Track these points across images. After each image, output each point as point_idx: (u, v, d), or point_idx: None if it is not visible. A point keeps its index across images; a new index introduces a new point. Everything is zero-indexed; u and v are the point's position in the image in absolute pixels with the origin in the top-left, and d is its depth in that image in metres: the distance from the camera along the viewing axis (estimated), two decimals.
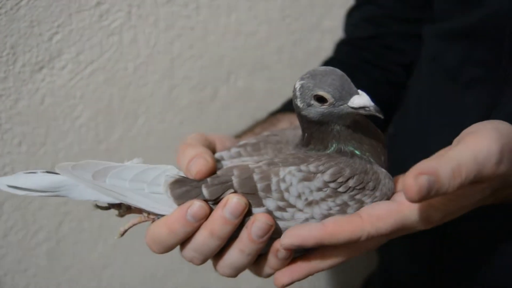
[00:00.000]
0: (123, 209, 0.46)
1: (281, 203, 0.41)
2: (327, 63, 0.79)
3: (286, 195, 0.41)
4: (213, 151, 0.48)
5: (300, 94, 0.41)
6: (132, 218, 0.46)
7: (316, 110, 0.41)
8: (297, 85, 0.42)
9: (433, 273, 0.63)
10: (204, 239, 0.42)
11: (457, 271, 0.60)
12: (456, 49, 0.61)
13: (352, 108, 0.40)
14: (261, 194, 0.42)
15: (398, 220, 0.39)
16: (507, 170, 0.38)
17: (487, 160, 0.37)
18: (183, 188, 0.43)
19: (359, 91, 0.40)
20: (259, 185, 0.42)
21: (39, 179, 0.43)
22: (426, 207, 0.39)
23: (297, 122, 0.67)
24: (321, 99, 0.40)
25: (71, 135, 0.71)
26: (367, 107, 0.40)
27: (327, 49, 0.87)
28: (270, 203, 0.42)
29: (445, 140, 0.59)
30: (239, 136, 0.65)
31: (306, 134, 0.44)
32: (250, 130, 0.66)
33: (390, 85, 0.75)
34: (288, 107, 0.70)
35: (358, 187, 0.41)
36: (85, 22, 0.67)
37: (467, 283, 0.59)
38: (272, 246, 0.42)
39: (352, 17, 0.80)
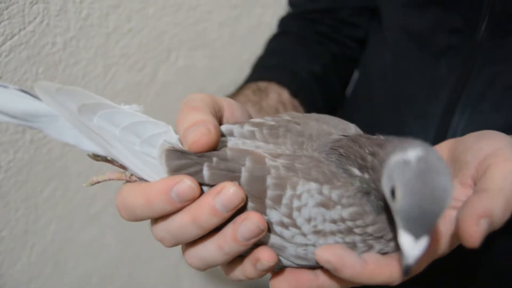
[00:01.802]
0: (101, 155, 0.37)
1: (286, 220, 0.35)
2: (279, 37, 0.74)
3: (295, 214, 0.35)
4: (220, 120, 0.39)
5: (400, 168, 0.31)
6: (110, 171, 0.38)
7: (385, 188, 0.32)
8: (410, 156, 0.30)
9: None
10: (183, 223, 0.34)
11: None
12: (427, 16, 0.58)
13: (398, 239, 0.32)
14: (268, 202, 0.35)
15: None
16: None
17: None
18: (182, 160, 0.35)
19: (424, 239, 0.30)
20: (270, 193, 0.35)
21: (11, 100, 0.34)
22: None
23: (284, 96, 0.61)
24: (393, 193, 0.31)
25: None
26: (404, 256, 0.31)
27: (269, 24, 0.81)
28: (274, 216, 0.35)
29: (419, 110, 0.58)
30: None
31: (369, 160, 0.35)
32: (242, 95, 0.58)
33: (346, 58, 0.73)
34: (266, 75, 0.64)
35: (375, 235, 0.35)
36: None
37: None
38: (252, 254, 0.35)
39: None
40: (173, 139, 0.36)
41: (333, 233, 0.35)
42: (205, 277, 0.91)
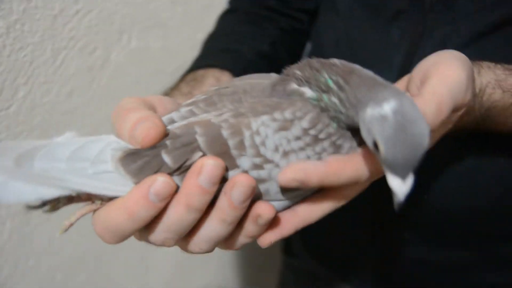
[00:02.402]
0: (62, 201, 0.35)
1: (257, 160, 0.35)
2: (228, 14, 0.72)
3: (262, 149, 0.35)
4: None
5: (375, 121, 0.32)
6: (78, 208, 0.35)
7: (367, 139, 0.33)
8: (386, 110, 0.32)
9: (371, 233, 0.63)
10: (179, 215, 0.34)
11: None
12: None
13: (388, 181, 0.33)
14: (233, 152, 0.35)
15: None
16: (470, 97, 0.39)
17: (460, 90, 0.37)
18: (138, 162, 0.34)
19: (409, 179, 0.33)
20: (231, 142, 0.35)
21: None
22: None
23: (223, 79, 0.60)
24: (376, 146, 0.32)
25: None
26: (396, 194, 0.33)
27: (222, 1, 0.79)
28: (245, 162, 0.35)
29: (375, 58, 0.58)
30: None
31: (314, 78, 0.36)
32: (176, 89, 0.57)
33: (296, 32, 0.72)
34: (207, 62, 0.63)
35: (338, 132, 0.36)
36: None
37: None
38: (251, 213, 0.36)
39: None
40: (119, 144, 0.35)
41: (302, 149, 0.36)
42: (172, 268, 0.90)
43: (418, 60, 0.55)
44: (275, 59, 0.68)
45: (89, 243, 0.75)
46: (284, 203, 0.37)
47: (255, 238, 0.38)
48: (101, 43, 0.68)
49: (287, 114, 0.36)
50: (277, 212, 0.37)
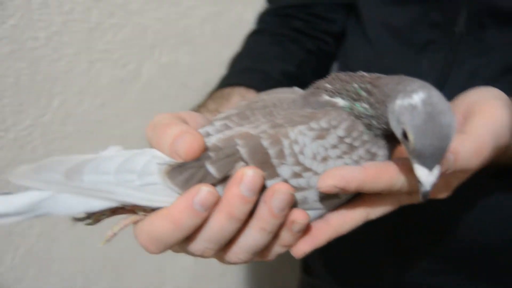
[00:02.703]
0: (106, 213, 0.36)
1: (296, 168, 0.36)
2: (256, 35, 0.74)
3: (301, 158, 0.36)
4: None
5: (405, 110, 0.33)
6: (120, 219, 0.37)
7: (396, 130, 0.34)
8: (415, 100, 0.33)
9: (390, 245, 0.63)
10: (220, 224, 0.35)
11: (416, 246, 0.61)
12: (407, 12, 0.60)
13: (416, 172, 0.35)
14: (274, 161, 0.36)
15: None
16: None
17: (503, 133, 0.38)
18: (184, 174, 0.35)
19: (436, 170, 0.33)
20: (271, 151, 0.36)
21: (6, 202, 0.33)
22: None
23: (249, 96, 0.62)
24: (405, 136, 0.33)
25: None
26: (422, 185, 0.34)
27: (250, 21, 0.82)
28: (285, 170, 0.36)
29: None
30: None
31: (367, 97, 0.37)
32: (202, 107, 0.59)
33: (322, 54, 0.73)
34: (234, 80, 0.64)
35: (373, 140, 0.38)
36: None
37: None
38: (287, 220, 0.37)
39: None
40: (163, 159, 0.36)
41: (339, 157, 0.37)
42: (189, 278, 0.91)
43: (448, 91, 0.55)
44: (301, 79, 0.70)
45: (109, 251, 0.76)
46: (319, 212, 0.38)
47: (289, 247, 0.38)
48: (133, 57, 0.71)
49: (323, 123, 0.37)
50: (311, 221, 0.38)
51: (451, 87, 0.55)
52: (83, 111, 0.67)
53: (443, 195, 0.40)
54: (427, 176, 0.33)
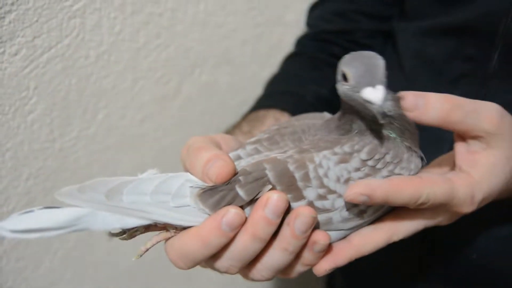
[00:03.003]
0: (140, 229, 0.39)
1: (321, 191, 0.39)
2: (293, 57, 0.76)
3: (325, 180, 0.38)
4: None
5: (338, 67, 0.40)
6: (153, 235, 0.40)
7: (342, 87, 0.39)
8: (342, 58, 0.40)
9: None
10: (245, 244, 0.38)
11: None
12: (443, 45, 0.61)
13: (362, 98, 0.37)
14: (300, 184, 0.38)
15: (451, 190, 0.39)
16: None
17: (486, 108, 0.39)
18: (215, 197, 0.38)
19: (379, 85, 0.37)
20: (297, 175, 0.38)
21: (50, 217, 0.36)
22: (472, 184, 0.40)
23: (283, 119, 0.64)
24: (344, 77, 0.39)
25: (22, 132, 0.60)
26: (373, 103, 0.36)
27: (289, 43, 0.84)
28: (311, 193, 0.38)
29: (433, 135, 0.60)
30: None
31: (341, 108, 0.42)
32: (237, 128, 0.61)
33: None
34: (268, 103, 0.67)
35: (395, 161, 0.40)
36: (44, 1, 0.57)
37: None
38: (309, 241, 0.39)
39: (318, 10, 0.78)
40: (197, 182, 0.39)
41: (362, 178, 0.39)
42: (218, 286, 0.93)
43: None
44: (334, 103, 0.71)
45: (141, 260, 0.79)
46: (342, 232, 0.40)
47: (311, 266, 0.41)
48: (175, 76, 0.74)
49: (346, 148, 0.39)
50: (334, 241, 0.40)
51: None
52: (124, 125, 0.70)
53: (468, 208, 0.41)
54: (373, 92, 0.36)
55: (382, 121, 0.38)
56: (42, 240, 0.67)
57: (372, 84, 0.37)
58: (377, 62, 0.38)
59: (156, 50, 0.71)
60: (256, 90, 0.78)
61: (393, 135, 0.41)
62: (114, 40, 0.65)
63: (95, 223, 0.37)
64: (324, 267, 0.40)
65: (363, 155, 0.39)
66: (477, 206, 0.41)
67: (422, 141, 0.55)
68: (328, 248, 0.40)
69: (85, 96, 0.65)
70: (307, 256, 0.39)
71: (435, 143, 0.60)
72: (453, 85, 0.59)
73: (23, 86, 0.58)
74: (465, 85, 0.58)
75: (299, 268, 0.41)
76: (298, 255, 0.40)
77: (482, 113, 0.39)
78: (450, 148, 0.54)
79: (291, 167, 0.38)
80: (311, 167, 0.38)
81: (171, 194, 0.38)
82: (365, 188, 0.37)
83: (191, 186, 0.38)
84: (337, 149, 0.39)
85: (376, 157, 0.39)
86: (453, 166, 0.44)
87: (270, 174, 0.38)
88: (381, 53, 0.73)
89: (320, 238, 0.38)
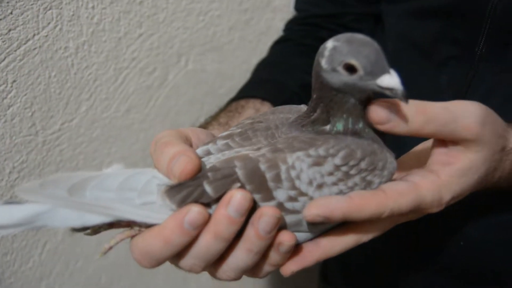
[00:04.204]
0: (104, 226, 0.38)
1: (292, 193, 0.37)
2: (280, 43, 0.75)
3: (297, 182, 0.37)
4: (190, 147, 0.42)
5: (330, 55, 0.37)
6: (116, 233, 0.39)
7: (340, 78, 0.37)
8: (329, 44, 0.37)
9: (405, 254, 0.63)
10: (207, 243, 0.36)
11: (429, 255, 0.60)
12: (429, 27, 0.59)
13: (379, 86, 0.37)
14: (271, 184, 0.37)
15: (416, 198, 0.38)
16: (492, 140, 0.39)
17: (465, 115, 0.38)
18: (182, 192, 0.36)
19: (391, 70, 0.37)
20: (268, 175, 0.37)
21: (6, 214, 0.35)
22: (439, 186, 0.39)
23: (263, 110, 0.63)
24: (350, 69, 0.36)
25: (2, 126, 0.60)
26: (395, 89, 0.36)
27: (278, 28, 0.82)
28: (281, 194, 0.37)
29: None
30: (203, 127, 0.59)
31: (315, 96, 0.40)
32: (214, 120, 0.60)
33: None
34: (250, 92, 0.65)
35: (369, 168, 0.38)
36: None
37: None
38: (274, 241, 0.38)
39: None
40: (163, 179, 0.38)
41: (334, 183, 0.38)
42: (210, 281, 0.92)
43: None
44: None
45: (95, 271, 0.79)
46: (312, 234, 0.39)
47: (278, 266, 0.39)
48: (160, 65, 0.73)
49: (321, 151, 0.38)
50: (301, 243, 0.39)
51: None
52: (109, 116, 0.70)
53: (436, 209, 0.40)
54: (392, 79, 0.36)
55: (407, 103, 0.37)
56: (30, 233, 0.67)
57: (386, 71, 0.36)
58: (378, 46, 0.37)
59: (139, 40, 0.69)
60: (245, 77, 0.77)
61: (362, 126, 0.40)
62: (93, 30, 0.64)
63: (54, 220, 0.36)
64: (291, 268, 0.39)
65: (338, 160, 0.38)
66: (445, 206, 0.40)
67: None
68: (296, 249, 0.39)
69: (67, 88, 0.64)
70: (273, 256, 0.38)
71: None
72: (440, 68, 0.58)
73: (1, 80, 0.58)
74: (452, 68, 0.57)
75: (266, 268, 0.40)
76: (265, 255, 0.39)
77: (460, 121, 0.37)
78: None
79: (263, 167, 0.37)
80: (283, 168, 0.37)
81: (137, 190, 0.37)
82: (323, 209, 0.36)
83: (158, 184, 0.37)
84: (312, 151, 0.38)
85: (351, 163, 0.38)
86: (428, 156, 0.42)
87: (240, 172, 0.37)
88: (369, 35, 0.73)
89: (285, 239, 0.37)
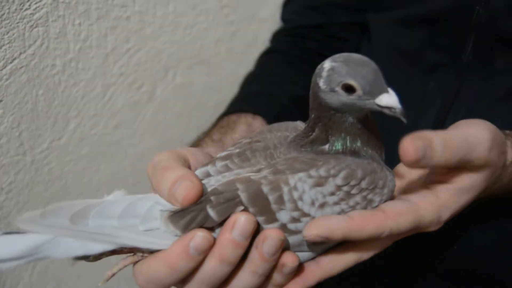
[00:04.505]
0: (106, 253, 0.38)
1: (295, 214, 0.37)
2: (268, 55, 0.75)
3: (299, 203, 0.37)
4: (188, 168, 0.42)
5: (327, 76, 0.38)
6: (119, 258, 0.38)
7: (338, 98, 0.38)
8: (327, 65, 0.38)
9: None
10: (213, 268, 0.36)
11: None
12: (416, 35, 0.60)
13: (378, 106, 0.37)
14: (273, 207, 0.37)
15: (416, 218, 0.38)
16: (497, 161, 0.40)
17: (479, 144, 0.38)
18: (186, 217, 0.36)
19: (389, 89, 0.37)
20: (271, 197, 0.37)
21: (6, 246, 0.34)
22: (439, 206, 0.39)
23: (255, 125, 0.63)
24: (349, 89, 0.37)
25: None
26: (394, 108, 0.37)
27: (265, 40, 0.82)
28: (284, 216, 0.37)
29: (409, 125, 0.59)
30: (196, 143, 0.58)
31: (313, 116, 0.41)
32: (207, 136, 0.60)
33: None
34: (241, 107, 0.65)
35: (370, 187, 0.39)
36: (2, 11, 0.55)
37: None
38: (278, 263, 0.38)
39: (292, 4, 0.76)
40: (166, 205, 0.37)
41: (336, 203, 0.38)
42: None
43: (453, 114, 0.56)
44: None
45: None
46: (311, 253, 0.39)
47: (281, 287, 0.39)
48: (148, 79, 0.72)
49: (322, 172, 0.38)
50: (303, 262, 0.39)
51: (457, 110, 0.55)
52: (97, 133, 0.69)
53: (434, 228, 0.40)
54: (391, 97, 0.37)
55: (406, 121, 0.37)
56: None
57: (385, 90, 0.37)
58: (375, 66, 0.37)
59: (126, 55, 0.69)
60: (233, 89, 0.77)
61: (360, 145, 0.40)
62: (80, 47, 0.64)
63: (57, 251, 0.35)
64: None
65: (339, 180, 0.38)
66: (443, 223, 0.40)
67: (400, 133, 0.53)
68: (298, 269, 0.39)
69: (54, 106, 0.63)
70: (276, 277, 0.38)
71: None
72: (428, 75, 0.59)
73: None
74: (440, 75, 0.57)
75: None
76: (268, 276, 0.38)
77: (474, 152, 0.38)
78: None
79: (265, 189, 0.37)
80: (285, 189, 0.37)
81: (140, 217, 0.36)
82: (323, 230, 0.36)
83: (161, 210, 0.37)
84: (313, 172, 0.38)
85: (352, 183, 0.38)
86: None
87: (242, 195, 0.36)
88: (357, 47, 0.73)
89: (289, 260, 0.37)
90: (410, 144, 0.35)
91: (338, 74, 0.37)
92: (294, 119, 0.69)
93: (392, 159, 0.43)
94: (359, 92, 0.36)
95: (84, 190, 0.69)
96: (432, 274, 0.61)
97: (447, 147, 0.36)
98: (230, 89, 0.82)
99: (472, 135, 0.38)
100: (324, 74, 0.38)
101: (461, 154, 0.37)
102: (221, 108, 0.72)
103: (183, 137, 0.79)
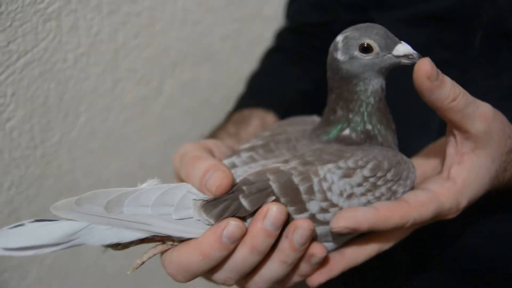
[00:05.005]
0: (135, 241, 0.38)
1: (324, 204, 0.38)
2: (274, 52, 0.76)
3: (329, 194, 0.38)
4: None
5: (343, 45, 0.40)
6: (148, 247, 0.39)
7: (359, 62, 0.40)
8: (339, 38, 0.41)
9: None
10: (244, 256, 0.37)
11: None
12: (421, 33, 0.61)
13: (396, 56, 0.40)
14: (304, 197, 0.38)
15: (437, 206, 0.40)
16: (501, 135, 0.41)
17: (483, 105, 0.40)
18: (219, 207, 0.37)
19: (402, 41, 0.40)
20: (302, 188, 0.38)
21: (43, 233, 0.34)
22: (457, 193, 0.41)
23: (268, 119, 0.64)
24: (366, 49, 0.40)
25: (1, 141, 0.58)
26: (411, 54, 0.40)
27: (269, 37, 0.83)
28: (314, 206, 0.38)
29: (414, 121, 0.60)
30: (211, 137, 0.59)
31: (334, 96, 0.43)
32: (222, 130, 0.60)
33: None
34: (251, 102, 0.66)
35: (395, 179, 0.40)
36: (17, 4, 0.55)
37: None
38: (306, 253, 0.39)
39: (296, 3, 0.77)
40: (199, 195, 0.38)
41: (363, 194, 0.39)
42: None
43: None
44: (317, 97, 0.71)
45: (130, 264, 0.78)
46: (335, 244, 0.40)
47: (307, 277, 0.41)
48: (156, 75, 0.73)
49: (350, 163, 0.39)
50: (328, 252, 0.40)
51: None
52: (107, 128, 0.69)
53: (453, 215, 0.42)
54: (405, 46, 0.40)
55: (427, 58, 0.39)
56: None
57: (398, 41, 0.40)
58: (381, 26, 0.41)
59: (136, 50, 0.69)
60: (238, 86, 0.78)
61: (379, 127, 0.41)
62: (92, 42, 0.64)
63: (92, 238, 0.36)
64: (318, 279, 0.41)
65: (366, 172, 0.39)
66: (462, 210, 0.42)
67: (408, 125, 0.54)
68: (323, 260, 0.40)
69: (65, 100, 0.63)
70: (303, 267, 0.40)
71: (420, 127, 0.60)
72: None
73: (0, 93, 0.57)
74: (445, 72, 0.58)
75: (295, 278, 0.41)
76: (295, 266, 0.40)
77: (479, 107, 0.39)
78: (436, 136, 0.55)
79: (296, 180, 0.38)
80: (315, 180, 0.38)
81: (174, 206, 0.37)
82: (351, 221, 0.37)
83: (194, 199, 0.38)
84: (341, 163, 0.39)
85: (379, 174, 0.40)
86: (440, 157, 0.44)
87: (274, 186, 0.37)
88: None
89: (317, 251, 0.38)
90: (427, 62, 0.38)
91: (353, 39, 0.40)
92: (303, 114, 0.70)
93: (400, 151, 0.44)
94: (376, 49, 0.39)
95: (94, 184, 0.69)
96: (437, 271, 0.62)
97: (456, 86, 0.39)
98: (234, 86, 0.83)
99: (477, 100, 0.41)
100: (340, 45, 0.41)
101: (468, 100, 0.39)
102: (226, 105, 0.73)
103: (188, 133, 0.79)
